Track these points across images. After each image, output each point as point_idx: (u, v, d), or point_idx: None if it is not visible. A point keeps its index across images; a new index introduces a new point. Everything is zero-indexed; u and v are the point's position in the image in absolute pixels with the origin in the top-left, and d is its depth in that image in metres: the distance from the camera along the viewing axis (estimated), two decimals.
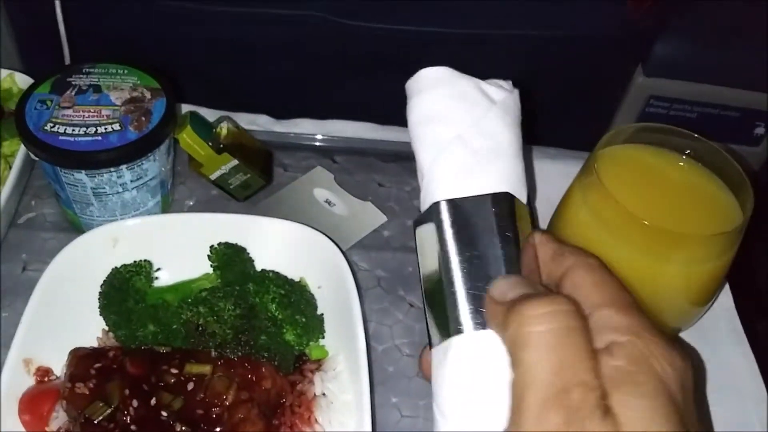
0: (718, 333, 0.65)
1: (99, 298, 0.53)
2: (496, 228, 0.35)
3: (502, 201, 0.36)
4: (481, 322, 0.33)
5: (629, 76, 0.97)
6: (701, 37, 0.96)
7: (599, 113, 1.02)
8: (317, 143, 0.74)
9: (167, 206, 0.65)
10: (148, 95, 0.60)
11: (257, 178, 0.65)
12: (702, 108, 1.00)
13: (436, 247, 0.35)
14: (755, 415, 0.60)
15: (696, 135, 0.56)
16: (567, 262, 0.35)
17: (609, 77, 0.98)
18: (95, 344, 0.53)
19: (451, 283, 0.34)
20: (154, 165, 0.59)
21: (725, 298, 0.68)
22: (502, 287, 0.33)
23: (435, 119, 0.38)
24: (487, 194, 0.36)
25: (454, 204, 0.36)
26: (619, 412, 0.28)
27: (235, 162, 0.63)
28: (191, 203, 0.66)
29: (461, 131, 0.37)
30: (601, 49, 0.90)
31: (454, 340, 0.34)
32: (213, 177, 0.64)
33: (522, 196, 0.37)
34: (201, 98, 0.73)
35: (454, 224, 0.35)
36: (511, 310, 0.31)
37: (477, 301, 0.34)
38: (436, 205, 0.36)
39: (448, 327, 0.34)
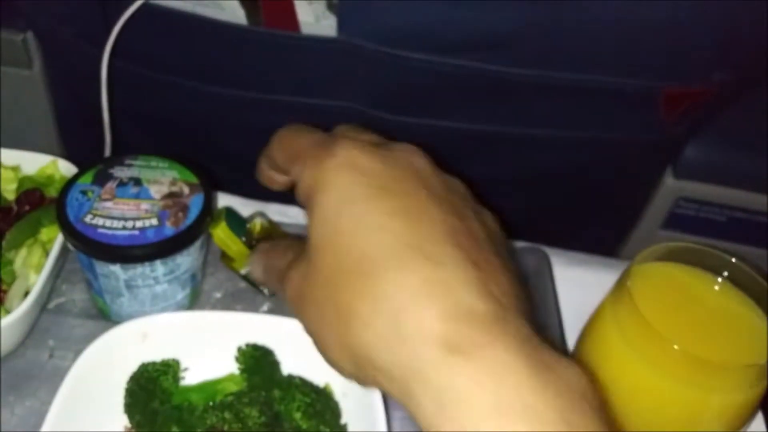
0: None
1: (125, 396, 0.53)
2: None
3: None
4: None
5: (658, 178, 0.97)
6: (732, 142, 0.96)
7: (624, 213, 1.02)
8: None
9: (196, 298, 0.65)
10: (186, 190, 0.60)
11: None
12: (731, 212, 1.00)
13: None
14: None
15: (734, 259, 0.55)
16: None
17: (638, 178, 0.98)
18: None
19: None
20: (187, 259, 0.60)
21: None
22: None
23: None
24: None
25: None
26: None
27: None
28: (219, 295, 0.66)
29: None
30: (633, 151, 0.91)
31: None
32: (243, 272, 0.64)
33: None
34: (236, 184, 0.73)
35: None
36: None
37: None
38: None
39: None
